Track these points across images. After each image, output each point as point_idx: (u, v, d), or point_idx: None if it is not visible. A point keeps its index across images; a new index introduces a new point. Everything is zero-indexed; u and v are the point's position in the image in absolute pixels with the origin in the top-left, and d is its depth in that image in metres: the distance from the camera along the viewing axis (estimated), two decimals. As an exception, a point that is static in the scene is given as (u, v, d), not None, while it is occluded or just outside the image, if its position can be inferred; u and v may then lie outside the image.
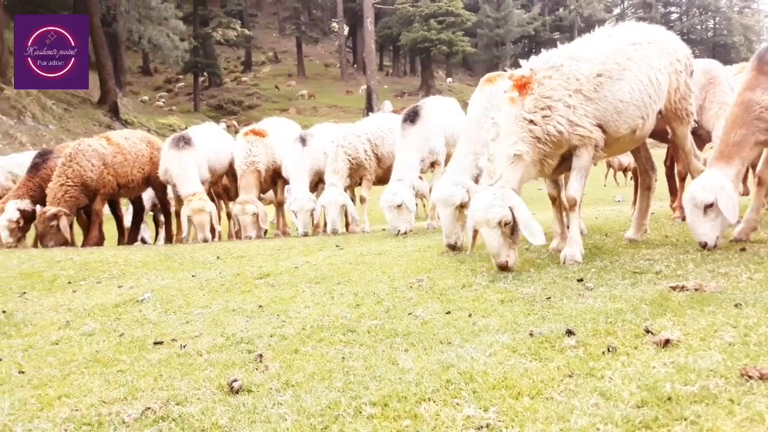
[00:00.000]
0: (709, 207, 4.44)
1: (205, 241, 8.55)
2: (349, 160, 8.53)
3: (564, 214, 5.42)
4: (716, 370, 2.22)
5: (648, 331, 2.76)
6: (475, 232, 4.90)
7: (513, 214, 4.38)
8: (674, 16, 76.15)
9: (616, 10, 77.78)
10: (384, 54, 67.61)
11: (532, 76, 4.65)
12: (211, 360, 3.11)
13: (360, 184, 9.16)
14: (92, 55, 36.12)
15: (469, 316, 3.44)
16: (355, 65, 62.84)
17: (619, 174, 23.56)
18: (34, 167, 9.38)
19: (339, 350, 3.03)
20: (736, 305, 3.07)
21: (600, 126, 4.71)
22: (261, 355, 3.06)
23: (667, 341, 2.59)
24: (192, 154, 9.04)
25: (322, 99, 50.29)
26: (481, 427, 1.96)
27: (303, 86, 53.97)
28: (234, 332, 3.59)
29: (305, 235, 8.54)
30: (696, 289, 3.52)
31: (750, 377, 2.10)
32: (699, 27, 74.17)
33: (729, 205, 4.44)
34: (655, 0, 72.40)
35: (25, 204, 8.98)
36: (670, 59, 5.17)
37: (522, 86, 4.65)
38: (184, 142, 9.08)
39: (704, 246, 4.54)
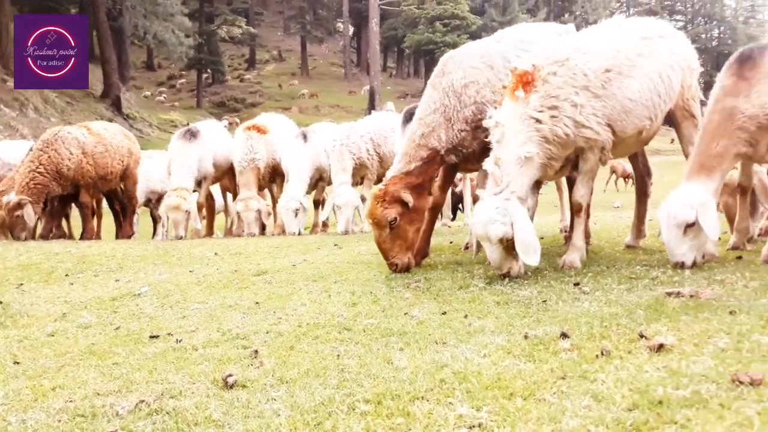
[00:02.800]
0: (690, 226, 4.15)
1: (180, 238, 8.44)
2: (353, 159, 8.53)
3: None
4: (708, 375, 2.23)
5: (642, 336, 2.76)
6: None
7: (513, 230, 4.12)
8: (679, 25, 76.17)
9: (621, 17, 77.95)
10: (388, 55, 67.69)
11: (535, 72, 4.41)
12: (207, 355, 3.12)
13: (361, 184, 9.16)
14: (97, 49, 36.24)
15: (465, 317, 3.44)
16: (359, 66, 62.93)
17: (620, 180, 23.57)
18: None
19: (334, 348, 3.04)
20: (730, 312, 3.08)
21: (608, 126, 4.50)
22: (256, 351, 3.07)
23: (661, 346, 2.60)
24: (197, 147, 8.97)
25: (325, 99, 50.34)
26: (473, 426, 1.97)
27: (306, 85, 54.04)
28: (230, 328, 3.60)
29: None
30: (691, 296, 3.53)
31: (741, 383, 2.11)
32: (704, 36, 74.12)
33: (712, 223, 4.15)
34: (661, 8, 72.43)
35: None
36: (683, 56, 4.98)
37: (524, 83, 4.39)
38: (192, 135, 9.01)
39: (681, 266, 4.25)
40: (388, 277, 4.75)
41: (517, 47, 5.03)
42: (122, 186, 10.00)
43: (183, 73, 53.05)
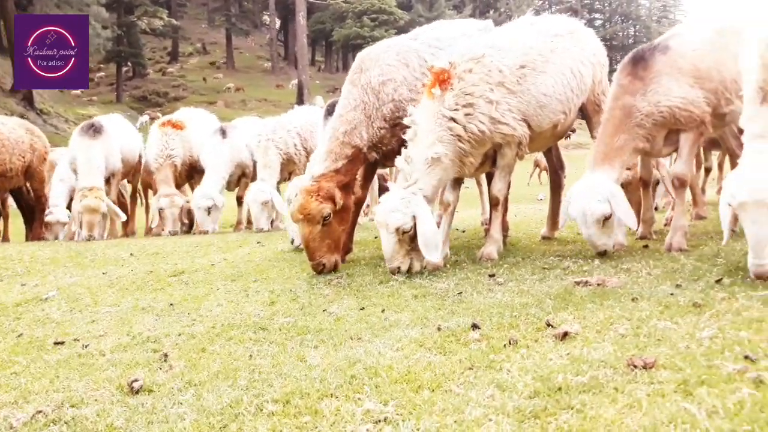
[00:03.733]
0: (606, 219, 4.29)
1: (90, 239, 8.02)
2: (280, 155, 8.34)
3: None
4: (607, 360, 2.33)
5: (549, 325, 2.86)
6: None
7: (415, 224, 4.17)
8: (598, 23, 79.23)
9: (545, 14, 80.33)
10: (316, 49, 67.16)
11: (451, 70, 4.43)
12: (114, 360, 3.01)
13: (289, 179, 9.02)
14: (4, 40, 34.15)
15: (382, 311, 3.46)
16: (287, 59, 62.14)
17: (543, 174, 24.30)
18: None
19: (247, 348, 2.99)
20: (633, 299, 3.23)
21: (524, 121, 4.60)
22: (166, 355, 2.98)
23: (566, 334, 2.70)
24: (102, 143, 8.48)
25: (252, 93, 49.41)
26: (379, 420, 1.98)
27: (232, 79, 52.84)
28: (141, 331, 3.48)
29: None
30: (598, 284, 3.68)
31: (635, 366, 2.21)
32: (620, 34, 77.36)
33: (627, 212, 4.36)
34: (580, 6, 75.07)
35: None
36: (592, 51, 5.14)
37: (440, 80, 4.42)
38: (95, 130, 8.49)
39: (604, 254, 4.41)
40: (310, 275, 4.71)
41: (432, 45, 5.07)
42: (28, 185, 9.41)
43: (101, 66, 50.82)
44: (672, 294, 3.26)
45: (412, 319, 3.22)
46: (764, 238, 3.29)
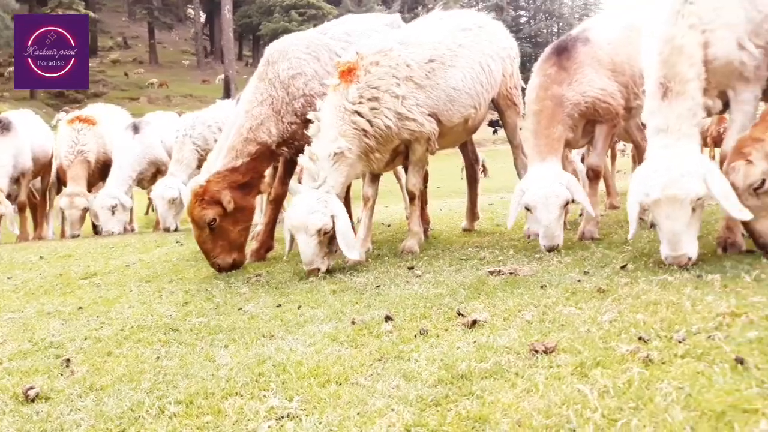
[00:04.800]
0: (566, 205, 4.29)
1: None
2: (197, 151, 8.07)
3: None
4: (511, 346, 2.39)
5: (460, 314, 2.91)
6: None
7: (334, 223, 4.11)
8: (523, 20, 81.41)
9: (471, 11, 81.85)
10: (243, 43, 65.89)
11: (358, 62, 4.34)
12: (11, 368, 2.85)
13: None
14: None
15: (299, 307, 3.43)
16: (213, 54, 60.71)
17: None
18: None
19: (156, 350, 2.90)
20: (542, 287, 3.33)
21: (433, 116, 4.56)
22: (69, 360, 2.84)
23: (474, 322, 2.75)
24: (12, 141, 7.96)
25: (177, 88, 47.98)
26: (283, 416, 1.96)
27: (155, 74, 51.15)
28: (44, 337, 3.31)
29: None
30: (511, 273, 3.78)
31: (536, 351, 2.28)
32: (545, 31, 79.74)
33: (586, 199, 4.41)
34: (506, 4, 76.85)
35: None
36: (502, 45, 5.16)
37: (346, 73, 4.31)
38: (3, 127, 7.96)
39: (555, 249, 4.27)
40: (229, 274, 4.62)
41: (342, 40, 5.01)
42: None
43: (12, 60, 48.03)
44: (579, 281, 3.39)
45: (327, 314, 3.20)
46: (679, 231, 3.41)
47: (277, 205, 5.29)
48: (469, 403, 1.91)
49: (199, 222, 4.43)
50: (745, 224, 3.38)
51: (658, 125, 3.60)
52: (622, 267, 3.60)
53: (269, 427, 1.90)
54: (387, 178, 6.96)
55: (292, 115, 4.74)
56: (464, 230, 5.95)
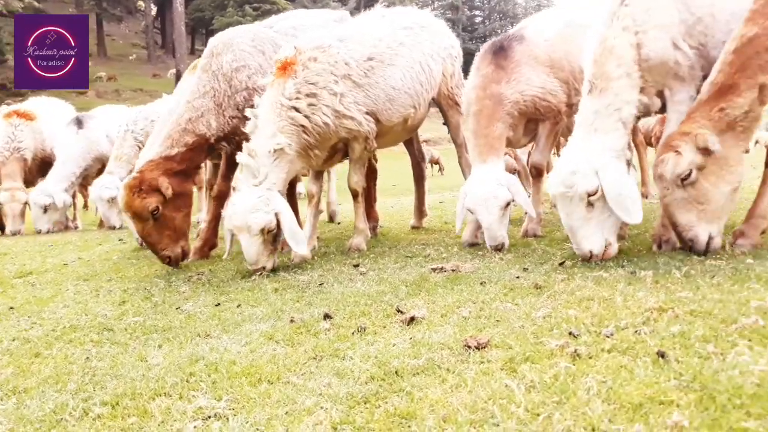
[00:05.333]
0: (506, 206, 4.29)
1: None
2: (139, 147, 7.83)
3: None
4: (445, 342, 2.40)
5: (399, 311, 2.91)
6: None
7: (279, 220, 4.03)
8: (478, 20, 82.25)
9: (427, 10, 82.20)
10: (196, 38, 64.56)
11: (296, 57, 4.26)
12: (-69, 372, 2.72)
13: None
14: None
15: (238, 306, 3.38)
16: (164, 48, 59.28)
17: (434, 166, 24.89)
18: None
19: (86, 351, 2.81)
20: (481, 283, 3.37)
21: (372, 115, 4.52)
22: (-7, 362, 2.74)
23: (413, 319, 2.76)
24: None
25: (126, 82, 46.68)
26: (210, 416, 1.93)
27: (103, 68, 49.61)
28: (-31, 339, 3.17)
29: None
30: (453, 270, 3.81)
31: (469, 347, 2.30)
32: (499, 31, 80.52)
33: (527, 200, 4.43)
34: (461, 3, 77.56)
35: None
36: (444, 44, 5.12)
37: (284, 68, 4.23)
38: None
39: (501, 248, 4.28)
40: (170, 272, 4.53)
41: (288, 34, 4.95)
42: None
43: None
44: (518, 277, 3.44)
45: (266, 313, 3.17)
46: (575, 227, 3.54)
47: (220, 201, 5.18)
48: (398, 400, 1.91)
49: (141, 213, 4.30)
50: (669, 218, 3.42)
51: (579, 120, 3.71)
52: (561, 263, 3.67)
53: (195, 427, 1.86)
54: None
55: (233, 109, 4.66)
56: (413, 227, 5.98)
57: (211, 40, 4.93)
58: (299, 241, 4.11)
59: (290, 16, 5.40)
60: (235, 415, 1.91)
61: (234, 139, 4.75)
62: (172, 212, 4.44)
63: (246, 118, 4.38)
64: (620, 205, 3.43)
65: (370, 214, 5.92)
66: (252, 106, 4.42)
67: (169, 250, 4.43)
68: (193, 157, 4.59)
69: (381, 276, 3.81)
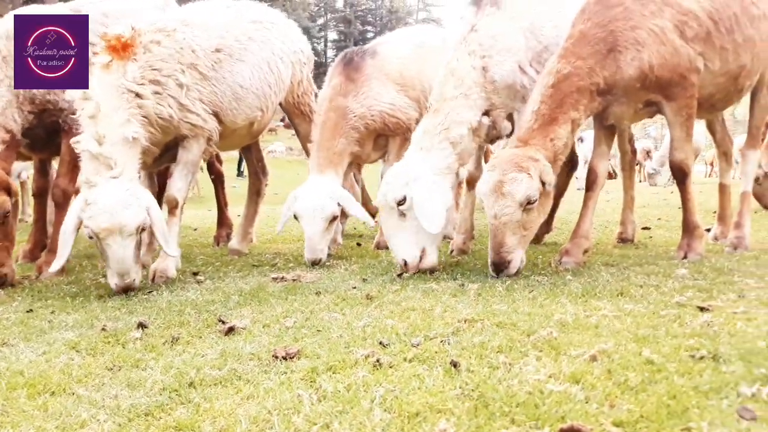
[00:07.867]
0: (332, 220, 4.28)
1: None
2: None
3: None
4: (256, 353, 2.35)
5: (221, 321, 2.82)
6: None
7: (150, 216, 3.55)
8: (370, 35, 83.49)
9: (320, 20, 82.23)
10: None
11: (135, 38, 3.79)
12: None
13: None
14: None
15: (52, 312, 3.15)
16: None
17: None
18: None
19: None
20: (317, 293, 3.35)
21: (216, 114, 4.16)
22: None
23: (231, 329, 2.67)
24: None
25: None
26: (-33, 433, 1.76)
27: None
28: None
29: None
30: (294, 280, 3.78)
31: (277, 357, 2.27)
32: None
33: (361, 211, 4.40)
34: (354, 17, 78.45)
35: None
36: (293, 48, 4.83)
37: (120, 48, 3.75)
38: None
39: (318, 263, 4.24)
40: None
41: (98, 22, 4.37)
42: None
43: None
44: (354, 287, 3.46)
45: (79, 321, 2.97)
46: (388, 236, 3.81)
47: (43, 198, 4.75)
48: (183, 412, 1.83)
49: None
50: (499, 237, 3.38)
51: (412, 138, 3.92)
52: (399, 275, 3.74)
53: (-57, 445, 1.68)
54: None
55: (29, 104, 4.15)
56: (231, 252, 5.02)
57: (3, 21, 4.38)
58: (171, 242, 3.78)
59: (103, 1, 4.76)
60: (2, 428, 1.75)
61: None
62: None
63: (42, 114, 3.99)
64: (423, 214, 3.58)
65: (223, 221, 5.76)
66: (49, 101, 4.09)
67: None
68: (10, 156, 4.04)
69: (217, 285, 3.70)
